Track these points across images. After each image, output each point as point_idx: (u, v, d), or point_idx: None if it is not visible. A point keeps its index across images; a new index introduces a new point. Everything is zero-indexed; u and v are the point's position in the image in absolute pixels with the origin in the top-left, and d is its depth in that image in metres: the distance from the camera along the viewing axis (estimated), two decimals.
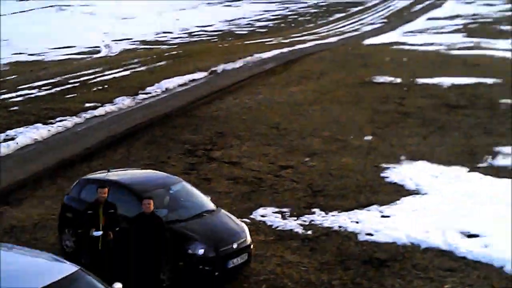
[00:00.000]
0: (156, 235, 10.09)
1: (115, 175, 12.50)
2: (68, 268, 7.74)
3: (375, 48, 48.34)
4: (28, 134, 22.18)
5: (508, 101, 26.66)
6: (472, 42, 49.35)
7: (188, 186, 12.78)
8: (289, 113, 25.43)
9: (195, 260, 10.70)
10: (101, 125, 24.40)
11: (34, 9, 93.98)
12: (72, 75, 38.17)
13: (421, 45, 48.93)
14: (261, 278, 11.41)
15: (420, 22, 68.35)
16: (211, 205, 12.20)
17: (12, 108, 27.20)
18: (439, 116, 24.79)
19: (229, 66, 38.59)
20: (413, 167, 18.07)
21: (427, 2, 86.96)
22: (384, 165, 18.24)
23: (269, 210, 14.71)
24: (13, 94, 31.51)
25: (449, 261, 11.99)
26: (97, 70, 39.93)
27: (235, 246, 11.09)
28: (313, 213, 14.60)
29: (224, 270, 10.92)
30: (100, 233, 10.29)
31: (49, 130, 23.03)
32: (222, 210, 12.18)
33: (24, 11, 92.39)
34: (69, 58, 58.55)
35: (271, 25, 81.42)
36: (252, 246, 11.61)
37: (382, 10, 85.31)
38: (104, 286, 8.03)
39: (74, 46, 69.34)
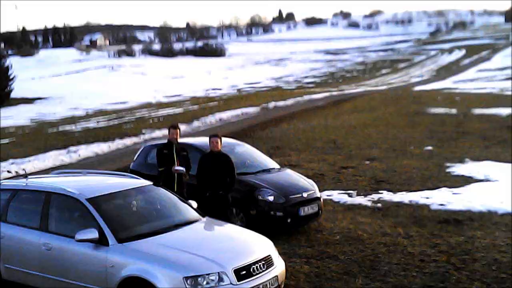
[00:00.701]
0: (225, 171, 9.99)
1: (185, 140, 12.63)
2: (144, 181, 8.67)
3: (426, 92, 48.27)
4: (89, 149, 22.66)
5: None
6: None
7: (252, 148, 12.89)
8: (344, 133, 25.39)
9: (266, 207, 10.61)
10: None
11: (88, 69, 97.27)
12: (127, 113, 39.04)
13: (473, 89, 48.70)
14: (335, 231, 11.15)
15: (470, 73, 68.11)
16: (277, 165, 12.26)
17: (72, 135, 27.94)
18: (499, 134, 24.30)
19: (280, 103, 39.01)
20: (479, 165, 17.63)
21: (476, 57, 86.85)
22: (448, 164, 17.88)
23: (334, 192, 14.46)
24: (73, 127, 32.39)
25: None
26: (151, 109, 40.77)
27: (305, 195, 11.01)
28: (380, 193, 14.31)
29: (297, 217, 10.78)
30: (183, 169, 10.29)
31: (109, 146, 23.48)
32: (288, 169, 12.15)
33: (79, 72, 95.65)
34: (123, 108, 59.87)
35: (318, 81, 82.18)
36: (321, 200, 11.46)
37: (429, 65, 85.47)
38: (177, 198, 8.31)
39: (126, 102, 71.09)
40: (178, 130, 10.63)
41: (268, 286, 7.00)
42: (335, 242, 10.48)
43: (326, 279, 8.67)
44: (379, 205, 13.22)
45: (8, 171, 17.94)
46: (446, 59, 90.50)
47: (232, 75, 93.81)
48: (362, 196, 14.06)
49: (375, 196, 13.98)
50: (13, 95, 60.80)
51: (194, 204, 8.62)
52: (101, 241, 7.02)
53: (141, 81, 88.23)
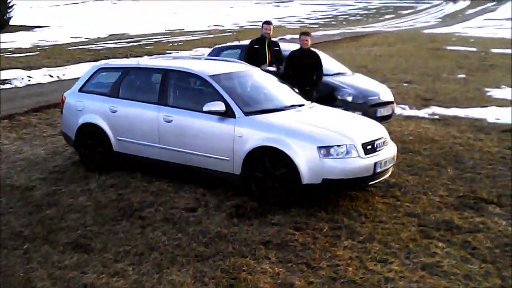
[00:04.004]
0: (313, 67, 10.11)
1: None
2: (251, 66, 8.94)
3: (438, 34, 48.04)
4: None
5: None
6: None
7: (322, 54, 12.91)
8: (373, 60, 25.42)
9: (346, 106, 10.76)
10: None
11: (87, 1, 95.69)
12: (141, 38, 38.65)
13: (485, 34, 48.46)
14: (406, 133, 11.37)
15: (477, 21, 67.69)
16: (349, 70, 12.49)
17: (98, 51, 27.69)
18: None
19: (296, 36, 38.68)
20: None
21: (480, 7, 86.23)
22: (487, 89, 18.04)
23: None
24: (92, 46, 32.06)
25: None
26: (165, 36, 40.33)
27: (381, 97, 11.21)
28: (433, 108, 14.47)
29: (374, 117, 10.90)
30: (274, 69, 10.19)
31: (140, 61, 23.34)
32: (360, 74, 12.34)
33: (77, 3, 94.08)
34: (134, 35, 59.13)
35: (321, 22, 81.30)
36: (395, 103, 11.67)
37: (434, 12, 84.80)
38: (283, 82, 8.60)
39: (128, 33, 70.17)
40: (271, 25, 10.51)
41: (388, 163, 7.20)
42: (411, 141, 10.70)
43: (418, 168, 8.88)
44: (436, 116, 13.41)
45: (50, 75, 17.90)
46: (451, 8, 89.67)
47: (234, 14, 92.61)
48: (416, 110, 14.24)
49: (428, 110, 14.16)
50: (12, 22, 59.84)
51: (296, 90, 8.73)
52: (227, 113, 7.13)
53: (142, 14, 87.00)
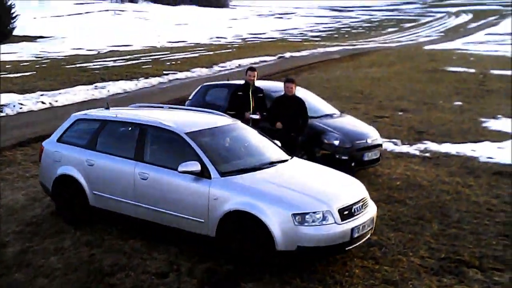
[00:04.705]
0: (298, 114, 10.00)
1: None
2: (231, 119, 8.77)
3: (438, 51, 47.91)
4: (117, 85, 22.49)
5: None
6: None
7: (309, 92, 12.89)
8: (370, 84, 25.28)
9: (332, 150, 10.66)
10: (183, 84, 24.52)
11: (91, 12, 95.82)
12: (140, 55, 38.60)
13: (485, 51, 48.31)
14: (394, 176, 11.21)
15: (479, 36, 67.53)
16: (337, 110, 12.27)
17: (93, 72, 27.62)
18: None
19: (296, 54, 38.71)
20: None
21: (483, 21, 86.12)
22: (483, 119, 17.88)
23: None
24: (90, 64, 32.00)
25: None
26: (165, 53, 40.34)
27: (369, 141, 11.11)
28: (425, 143, 14.33)
29: (361, 161, 10.88)
30: (258, 116, 10.04)
31: (136, 84, 23.32)
32: (349, 115, 12.21)
33: (81, 14, 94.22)
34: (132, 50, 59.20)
35: (324, 35, 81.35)
36: (382, 146, 11.55)
37: (436, 26, 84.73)
38: (264, 136, 8.39)
39: (131, 45, 70.25)
40: (255, 72, 10.34)
41: (366, 227, 7.03)
42: (398, 187, 10.54)
43: (402, 223, 8.71)
44: (427, 154, 13.26)
45: (43, 102, 17.80)
46: (453, 21, 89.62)
47: (236, 25, 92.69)
48: (408, 145, 14.09)
49: (421, 146, 14.01)
50: (15, 33, 59.97)
51: (278, 143, 8.57)
52: (203, 174, 6.99)
53: (144, 26, 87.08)
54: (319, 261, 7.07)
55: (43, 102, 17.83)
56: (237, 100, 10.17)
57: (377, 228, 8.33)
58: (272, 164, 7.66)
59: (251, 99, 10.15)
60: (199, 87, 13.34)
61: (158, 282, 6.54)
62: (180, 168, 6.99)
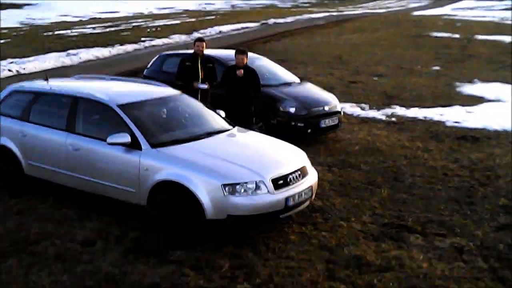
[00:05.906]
0: (250, 84, 9.69)
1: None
2: (172, 90, 8.51)
3: (425, 17, 47.43)
4: (90, 52, 22.07)
5: None
6: None
7: (271, 62, 12.54)
8: (349, 50, 24.94)
9: (287, 118, 10.42)
10: (158, 51, 23.99)
11: None
12: (122, 22, 38.01)
13: (473, 17, 47.86)
14: (353, 141, 10.98)
15: (468, 3, 66.93)
16: (297, 79, 12.05)
17: (70, 39, 27.15)
18: (505, 58, 23.92)
19: (280, 20, 38.17)
20: (488, 86, 17.39)
21: None
22: (458, 84, 17.63)
23: (346, 105, 14.13)
24: (68, 31, 31.47)
25: None
26: (146, 20, 39.75)
27: (326, 108, 10.88)
28: (393, 108, 14.09)
29: (317, 128, 10.63)
30: (206, 86, 9.86)
31: (110, 51, 22.90)
32: (309, 82, 11.96)
33: None
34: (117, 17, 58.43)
35: (314, 1, 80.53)
36: (342, 113, 11.30)
37: None
38: (207, 106, 8.35)
39: (118, 12, 69.32)
40: (204, 42, 10.11)
41: (303, 195, 6.85)
42: (355, 152, 10.31)
43: (351, 188, 8.50)
44: (393, 119, 13.02)
45: (9, 70, 17.42)
46: None
47: None
48: (375, 110, 13.85)
49: (388, 111, 13.78)
50: (2, 1, 59.08)
51: (222, 113, 8.35)
52: (133, 145, 6.79)
53: None
54: (254, 229, 6.85)
55: (9, 70, 17.42)
56: (185, 70, 9.98)
57: (324, 194, 8.16)
58: (210, 134, 7.45)
59: (199, 69, 9.93)
60: (157, 56, 13.08)
61: (83, 250, 6.32)
62: (109, 140, 6.80)
